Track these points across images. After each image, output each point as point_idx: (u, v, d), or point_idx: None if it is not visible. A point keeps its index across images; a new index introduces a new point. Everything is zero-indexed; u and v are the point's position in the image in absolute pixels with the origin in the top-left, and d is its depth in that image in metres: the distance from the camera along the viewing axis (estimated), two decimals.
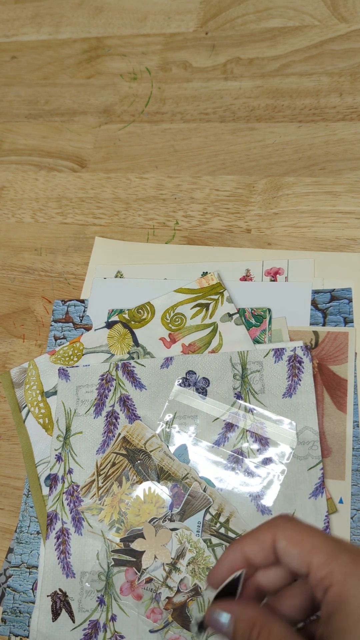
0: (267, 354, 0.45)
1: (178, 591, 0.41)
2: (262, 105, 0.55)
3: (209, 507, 0.42)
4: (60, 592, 0.43)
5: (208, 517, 0.42)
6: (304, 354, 0.44)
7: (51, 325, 0.51)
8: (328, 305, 0.46)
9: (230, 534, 0.41)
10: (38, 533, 0.45)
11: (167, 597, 0.40)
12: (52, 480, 0.45)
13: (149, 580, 0.41)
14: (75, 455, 0.45)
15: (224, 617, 0.28)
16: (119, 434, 0.45)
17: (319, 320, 0.46)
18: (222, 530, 0.41)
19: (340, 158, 0.51)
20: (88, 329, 0.50)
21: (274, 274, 0.48)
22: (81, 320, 0.50)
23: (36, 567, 0.44)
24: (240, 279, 0.49)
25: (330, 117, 0.53)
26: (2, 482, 0.48)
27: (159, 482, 0.43)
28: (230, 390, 0.44)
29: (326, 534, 0.28)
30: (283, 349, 0.45)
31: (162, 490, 0.43)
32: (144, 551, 0.42)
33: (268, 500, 0.41)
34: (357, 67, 0.54)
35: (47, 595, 0.43)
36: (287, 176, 0.52)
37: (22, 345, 0.52)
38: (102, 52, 0.63)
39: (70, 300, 0.51)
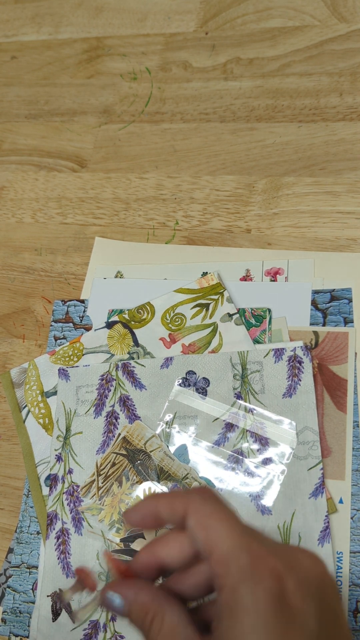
0: (267, 354, 0.45)
1: None
2: (262, 105, 0.55)
3: None
4: (60, 592, 0.43)
5: None
6: (304, 354, 0.44)
7: (51, 326, 0.51)
8: (328, 305, 0.46)
9: None
10: (38, 533, 0.45)
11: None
12: (52, 480, 0.45)
13: None
14: (75, 456, 0.45)
15: (117, 601, 0.28)
16: (119, 434, 0.45)
17: (319, 320, 0.46)
18: None
19: (340, 158, 0.51)
20: (88, 329, 0.50)
21: (274, 274, 0.48)
22: (81, 321, 0.50)
23: (36, 567, 0.44)
24: (240, 279, 0.49)
25: (330, 117, 0.53)
26: (2, 482, 0.48)
27: (159, 482, 0.43)
28: (230, 390, 0.44)
29: (236, 523, 0.26)
30: (283, 349, 0.45)
31: (162, 491, 0.43)
32: None
33: (268, 500, 0.41)
34: (357, 67, 0.54)
35: (47, 595, 0.43)
36: (287, 176, 0.52)
37: (22, 346, 0.52)
38: (102, 52, 0.63)
39: (70, 300, 0.51)
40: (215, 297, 0.48)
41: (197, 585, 0.28)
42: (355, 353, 0.44)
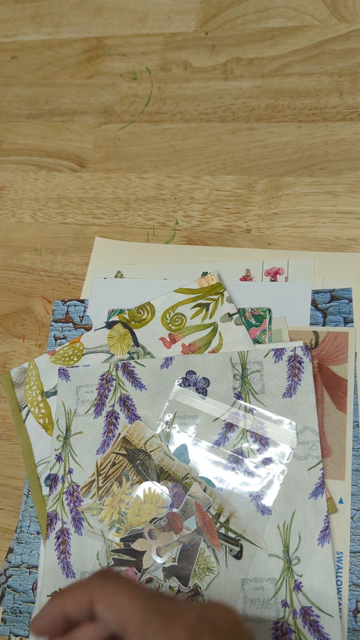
0: (267, 354, 0.45)
1: (179, 591, 0.41)
2: (262, 105, 0.55)
3: (209, 507, 0.42)
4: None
5: None
6: (304, 354, 0.44)
7: (51, 325, 0.51)
8: (328, 305, 0.46)
9: (230, 534, 0.41)
10: (38, 533, 0.45)
11: None
12: (52, 480, 0.45)
13: (150, 580, 0.41)
14: (75, 455, 0.45)
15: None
16: (119, 434, 0.45)
17: (319, 320, 0.46)
18: (222, 531, 0.41)
19: (340, 158, 0.51)
20: (88, 329, 0.50)
21: (274, 274, 0.48)
22: (81, 320, 0.50)
23: (36, 567, 0.44)
24: (240, 279, 0.49)
25: (330, 117, 0.53)
26: (2, 482, 0.48)
27: (159, 482, 0.43)
28: (230, 390, 0.44)
29: (142, 593, 0.27)
30: (283, 349, 0.45)
31: (162, 491, 0.43)
32: (145, 551, 0.42)
33: (268, 500, 0.41)
34: (357, 67, 0.54)
35: (47, 595, 0.43)
36: (287, 176, 0.52)
37: (22, 345, 0.52)
38: (102, 52, 0.63)
39: (70, 300, 0.51)
40: (215, 297, 0.48)
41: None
42: (355, 353, 0.44)
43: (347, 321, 0.45)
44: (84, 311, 0.51)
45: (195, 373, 0.45)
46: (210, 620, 0.27)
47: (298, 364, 0.44)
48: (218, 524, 0.41)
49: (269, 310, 0.47)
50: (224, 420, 0.44)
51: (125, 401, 0.46)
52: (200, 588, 0.40)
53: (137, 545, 0.42)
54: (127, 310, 0.49)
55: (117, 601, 0.27)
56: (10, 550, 0.45)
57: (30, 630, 0.30)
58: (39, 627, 0.29)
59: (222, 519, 0.41)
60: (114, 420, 0.46)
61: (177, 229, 0.52)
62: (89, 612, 0.27)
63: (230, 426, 0.44)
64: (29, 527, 0.45)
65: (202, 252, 0.51)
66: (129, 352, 0.48)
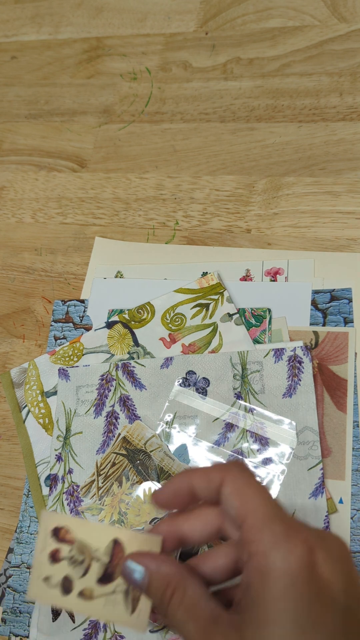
0: (267, 354, 0.45)
1: None
2: (262, 105, 0.55)
3: None
4: None
5: None
6: (304, 354, 0.44)
7: (51, 325, 0.51)
8: (328, 305, 0.46)
9: None
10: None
11: None
12: (52, 480, 0.45)
13: None
14: (75, 455, 0.45)
15: (139, 571, 0.27)
16: (119, 434, 0.45)
17: (319, 320, 0.46)
18: None
19: (340, 158, 0.51)
20: (88, 329, 0.50)
21: (274, 274, 0.48)
22: (81, 320, 0.50)
23: None
24: (240, 279, 0.49)
25: (330, 117, 0.53)
26: (2, 482, 0.48)
27: (159, 482, 0.43)
28: (230, 390, 0.44)
29: (271, 497, 0.27)
30: (283, 349, 0.45)
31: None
32: None
33: None
34: (357, 67, 0.54)
35: None
36: (287, 176, 0.52)
37: (22, 345, 0.52)
38: (102, 52, 0.63)
39: (70, 300, 0.51)
40: (215, 297, 0.48)
41: (219, 568, 0.28)
42: (355, 353, 0.44)
43: (347, 321, 0.45)
44: (84, 311, 0.51)
45: (195, 373, 0.45)
46: (327, 544, 0.26)
47: (298, 364, 0.44)
48: None
49: (269, 310, 0.47)
50: (224, 420, 0.44)
51: (125, 401, 0.46)
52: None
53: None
54: (127, 310, 0.49)
55: (246, 491, 0.27)
56: (10, 550, 0.45)
57: (153, 497, 0.30)
58: (163, 497, 0.29)
59: None
60: (114, 420, 0.46)
61: (177, 229, 0.52)
62: (215, 493, 0.28)
63: (230, 426, 0.44)
64: (29, 527, 0.45)
65: (202, 252, 0.51)
66: (129, 352, 0.48)
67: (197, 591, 0.26)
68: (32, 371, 0.49)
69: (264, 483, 0.42)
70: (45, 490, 0.46)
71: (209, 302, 0.48)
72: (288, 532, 0.25)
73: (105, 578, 0.31)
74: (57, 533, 0.33)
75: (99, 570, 0.31)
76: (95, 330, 0.49)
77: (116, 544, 0.32)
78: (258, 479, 0.28)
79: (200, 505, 0.29)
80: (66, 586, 0.32)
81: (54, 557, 0.33)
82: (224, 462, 0.29)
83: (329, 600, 0.24)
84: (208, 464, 0.43)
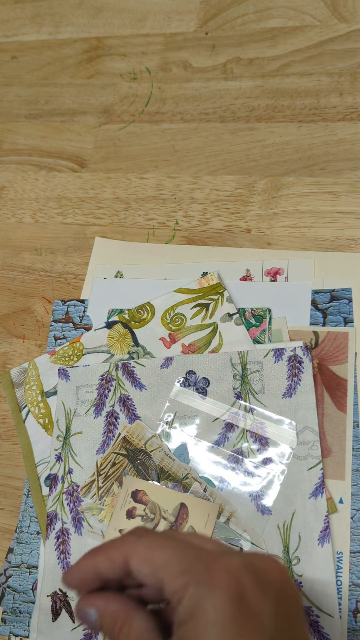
0: (267, 354, 0.45)
1: None
2: (262, 105, 0.55)
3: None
4: (60, 592, 0.43)
5: None
6: (304, 354, 0.44)
7: (51, 325, 0.51)
8: (328, 305, 0.46)
9: (230, 534, 0.41)
10: (38, 533, 0.45)
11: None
12: (52, 480, 0.45)
13: None
14: (75, 455, 0.45)
15: (91, 613, 0.27)
16: (119, 434, 0.45)
17: (319, 320, 0.46)
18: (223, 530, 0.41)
19: (340, 158, 0.51)
20: (88, 329, 0.50)
21: (274, 274, 0.48)
22: (81, 320, 0.50)
23: (36, 567, 0.44)
24: (240, 279, 0.49)
25: (330, 117, 0.53)
26: (2, 482, 0.48)
27: (159, 482, 0.43)
28: (230, 390, 0.44)
29: (180, 544, 0.26)
30: (283, 349, 0.45)
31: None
32: None
33: (268, 500, 0.41)
34: (357, 67, 0.54)
35: (47, 595, 0.43)
36: (287, 176, 0.52)
37: (22, 345, 0.52)
38: (102, 52, 0.63)
39: (70, 300, 0.51)
40: (215, 297, 0.48)
41: (156, 590, 0.28)
42: (355, 353, 0.44)
43: (347, 321, 0.45)
44: (84, 311, 0.51)
45: (195, 373, 0.45)
46: (256, 569, 0.25)
47: (298, 364, 0.44)
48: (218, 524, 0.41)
49: (269, 310, 0.47)
50: (224, 420, 0.44)
51: (125, 401, 0.46)
52: None
53: None
54: (127, 310, 0.49)
55: (152, 555, 0.26)
56: (10, 550, 0.45)
57: (62, 582, 0.29)
58: (71, 581, 0.28)
59: (222, 519, 0.41)
60: (114, 420, 0.46)
61: (177, 229, 0.52)
62: (124, 570, 0.27)
63: (230, 426, 0.44)
64: (29, 527, 0.45)
65: (202, 252, 0.51)
66: (129, 352, 0.48)
67: (142, 623, 0.27)
68: (32, 371, 0.49)
69: (264, 483, 0.42)
70: (45, 490, 0.46)
71: (209, 302, 0.48)
72: (209, 567, 0.25)
73: None
74: (136, 495, 0.41)
75: (166, 527, 0.39)
76: (95, 330, 0.49)
77: (182, 506, 0.40)
78: (160, 533, 0.28)
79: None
80: None
81: (131, 513, 0.41)
82: (123, 534, 0.28)
83: (255, 628, 0.24)
84: (209, 464, 0.43)
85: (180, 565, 0.25)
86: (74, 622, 0.42)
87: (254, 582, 0.25)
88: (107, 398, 0.46)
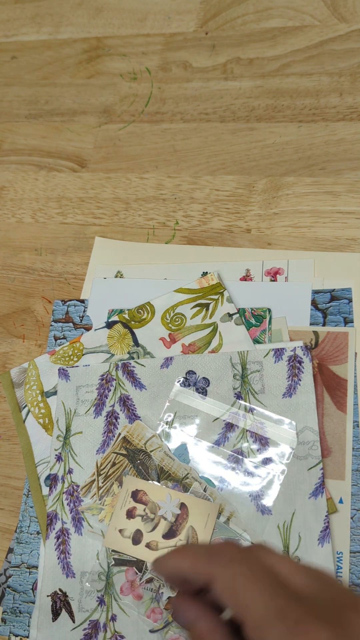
0: (267, 354, 0.45)
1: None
2: (262, 105, 0.55)
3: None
4: (60, 592, 0.43)
5: None
6: (304, 354, 0.44)
7: (51, 325, 0.51)
8: (328, 305, 0.46)
9: (231, 534, 0.41)
10: (38, 533, 0.45)
11: (169, 597, 0.40)
12: (52, 480, 0.45)
13: (150, 580, 0.41)
14: (75, 455, 0.45)
15: (185, 617, 0.27)
16: (119, 434, 0.45)
17: (319, 320, 0.46)
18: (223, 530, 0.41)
19: (340, 158, 0.51)
20: (88, 329, 0.50)
21: (274, 274, 0.48)
22: (81, 320, 0.50)
23: (36, 567, 0.44)
24: (240, 279, 0.49)
25: (330, 117, 0.53)
26: (2, 482, 0.48)
27: (159, 482, 0.43)
28: (230, 390, 0.44)
29: (269, 581, 0.24)
30: (283, 349, 0.45)
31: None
32: None
33: (268, 500, 0.41)
34: (357, 67, 0.54)
35: (47, 595, 0.43)
36: (287, 176, 0.52)
37: (22, 345, 0.52)
38: (102, 52, 0.63)
39: (70, 300, 0.51)
40: (215, 297, 0.48)
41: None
42: (355, 353, 0.44)
43: (347, 321, 0.45)
44: (84, 311, 0.51)
45: (195, 373, 0.45)
46: (346, 625, 0.22)
47: (298, 364, 0.44)
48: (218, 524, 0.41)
49: (269, 310, 0.47)
50: (224, 420, 0.44)
51: (125, 401, 0.46)
52: None
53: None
54: (127, 310, 0.49)
55: (237, 588, 0.24)
56: (10, 550, 0.45)
57: (152, 566, 0.29)
58: (159, 572, 0.28)
59: (222, 519, 0.41)
60: (114, 420, 0.46)
61: (177, 229, 0.52)
62: (206, 585, 0.26)
63: (230, 426, 0.44)
64: (29, 527, 0.45)
65: (202, 252, 0.51)
66: (129, 352, 0.48)
67: None
68: (32, 371, 0.49)
69: (264, 483, 0.42)
70: (45, 490, 0.46)
71: (209, 302, 0.48)
72: (293, 631, 0.22)
73: (170, 534, 0.40)
74: (136, 495, 0.41)
75: (165, 527, 0.40)
76: (95, 330, 0.49)
77: (182, 507, 0.40)
78: (253, 559, 0.26)
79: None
80: (136, 538, 0.40)
81: (131, 513, 0.41)
82: (217, 544, 0.27)
83: None
84: (209, 464, 0.43)
85: (263, 615, 0.23)
86: (74, 622, 0.42)
87: None
88: (107, 398, 0.46)
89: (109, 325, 0.49)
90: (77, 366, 0.48)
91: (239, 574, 0.24)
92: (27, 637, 0.43)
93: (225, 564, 0.25)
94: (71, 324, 0.51)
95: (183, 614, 0.27)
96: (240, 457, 0.43)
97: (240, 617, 0.24)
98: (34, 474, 0.46)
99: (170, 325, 0.48)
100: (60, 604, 0.42)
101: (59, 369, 0.48)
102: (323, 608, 0.23)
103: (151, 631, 0.40)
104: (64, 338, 0.50)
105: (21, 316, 0.53)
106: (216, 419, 0.44)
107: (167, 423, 0.45)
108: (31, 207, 0.57)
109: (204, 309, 0.48)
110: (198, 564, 0.26)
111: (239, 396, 0.44)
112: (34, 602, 0.44)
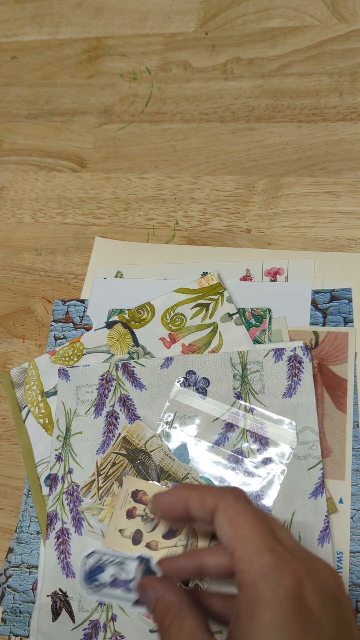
0: (267, 354, 0.45)
1: None
2: (262, 105, 0.55)
3: None
4: (60, 592, 0.43)
5: None
6: (304, 354, 0.44)
7: (51, 325, 0.51)
8: (328, 305, 0.46)
9: None
10: (38, 533, 0.45)
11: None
12: (52, 480, 0.45)
13: None
14: (75, 455, 0.45)
15: (150, 595, 0.29)
16: (119, 434, 0.45)
17: (319, 320, 0.46)
18: None
19: (340, 158, 0.51)
20: (88, 329, 0.50)
21: (274, 274, 0.48)
22: (81, 320, 0.50)
23: (36, 567, 0.44)
24: (240, 279, 0.49)
25: (330, 117, 0.53)
26: (2, 482, 0.48)
27: (159, 482, 0.43)
28: (230, 390, 0.44)
29: (264, 524, 0.27)
30: (283, 349, 0.45)
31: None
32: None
33: (268, 500, 0.41)
34: (357, 67, 0.54)
35: (47, 595, 0.43)
36: (287, 176, 0.52)
37: (22, 345, 0.52)
38: (102, 52, 0.63)
39: (70, 300, 0.51)
40: (215, 297, 0.48)
41: (220, 566, 0.29)
42: (355, 353, 0.44)
43: (347, 321, 0.45)
44: (84, 311, 0.51)
45: (195, 373, 0.45)
46: (318, 576, 0.26)
47: (298, 364, 0.44)
48: None
49: (269, 310, 0.47)
50: (224, 420, 0.44)
51: (125, 401, 0.46)
52: (200, 587, 0.40)
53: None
54: (127, 310, 0.49)
55: (238, 520, 0.27)
56: (10, 550, 0.45)
57: (152, 501, 0.31)
58: (160, 504, 0.30)
59: None
60: (114, 420, 0.46)
61: (177, 229, 0.52)
62: (209, 515, 0.28)
63: (230, 426, 0.44)
64: (29, 527, 0.45)
65: (202, 252, 0.51)
66: (129, 352, 0.48)
67: (194, 623, 0.27)
68: (32, 371, 0.49)
69: (264, 483, 0.42)
70: (45, 490, 0.46)
71: (209, 302, 0.48)
72: (277, 564, 0.26)
73: (170, 534, 0.40)
74: (136, 495, 0.41)
75: (165, 527, 0.39)
76: (95, 330, 0.49)
77: None
78: (255, 505, 0.29)
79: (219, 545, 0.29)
80: (137, 538, 0.40)
81: (131, 513, 0.41)
82: (222, 485, 0.30)
83: (316, 632, 0.25)
84: (209, 464, 0.43)
85: (254, 547, 0.26)
86: (74, 622, 0.42)
87: (315, 589, 0.26)
88: (107, 398, 0.46)
89: (109, 325, 0.49)
90: (77, 366, 0.48)
91: (243, 510, 0.28)
92: (27, 637, 0.43)
93: (232, 499, 0.28)
94: (71, 324, 0.51)
95: (150, 590, 0.29)
96: (240, 457, 0.43)
97: (231, 547, 0.27)
98: (34, 474, 0.46)
99: (170, 325, 0.48)
100: (60, 604, 0.42)
101: (59, 369, 0.48)
102: (300, 555, 0.27)
103: (151, 631, 0.40)
104: (64, 338, 0.50)
105: (21, 316, 0.53)
106: (216, 419, 0.44)
107: (167, 423, 0.45)
108: (31, 207, 0.57)
109: (204, 309, 0.48)
110: (206, 494, 0.29)
111: (239, 396, 0.44)
112: (34, 602, 0.44)
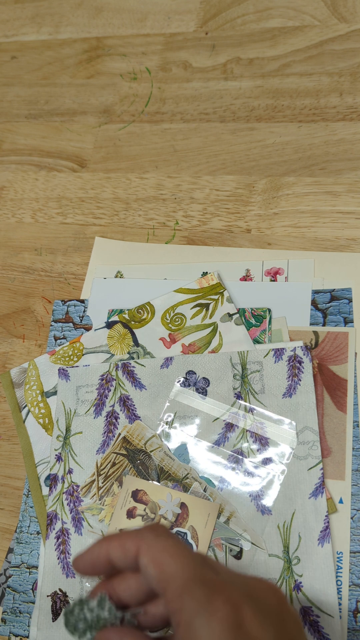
0: (267, 354, 0.45)
1: None
2: (262, 105, 0.55)
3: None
4: (60, 592, 0.43)
5: None
6: (304, 354, 0.44)
7: (51, 325, 0.51)
8: (328, 305, 0.46)
9: (230, 534, 0.41)
10: (38, 533, 0.45)
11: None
12: (52, 480, 0.45)
13: None
14: (75, 455, 0.45)
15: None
16: (119, 434, 0.45)
17: (319, 320, 0.46)
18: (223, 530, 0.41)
19: (340, 158, 0.51)
20: (88, 329, 0.50)
21: (274, 274, 0.48)
22: (81, 320, 0.50)
23: (36, 567, 0.44)
24: (240, 279, 0.49)
25: (330, 117, 0.53)
26: (2, 482, 0.48)
27: (159, 482, 0.43)
28: (230, 390, 0.44)
29: (189, 558, 0.26)
30: (283, 349, 0.45)
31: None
32: None
33: (268, 500, 0.41)
34: (357, 67, 0.54)
35: (47, 595, 0.43)
36: (287, 176, 0.52)
37: (22, 345, 0.52)
38: (102, 52, 0.63)
39: (70, 300, 0.51)
40: (215, 297, 0.48)
41: (159, 618, 0.28)
42: (355, 353, 0.44)
43: (347, 321, 0.45)
44: (84, 311, 0.51)
45: (195, 373, 0.45)
46: (255, 597, 0.26)
47: (298, 364, 0.44)
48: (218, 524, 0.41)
49: (269, 310, 0.47)
50: (224, 420, 0.44)
51: (125, 401, 0.46)
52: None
53: None
54: (127, 310, 0.49)
55: (162, 559, 0.26)
56: (10, 550, 0.45)
57: (72, 565, 0.30)
58: (81, 565, 0.28)
59: (222, 519, 0.41)
60: (114, 420, 0.46)
61: (177, 229, 0.52)
62: (133, 562, 0.27)
63: (230, 426, 0.44)
64: (29, 527, 0.45)
65: (202, 252, 0.51)
66: (129, 352, 0.48)
67: None
68: (32, 371, 0.49)
69: (264, 483, 0.42)
70: (45, 490, 0.46)
71: (209, 302, 0.48)
72: (209, 595, 0.25)
73: None
74: (136, 494, 0.41)
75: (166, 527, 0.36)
76: (95, 330, 0.49)
77: (182, 506, 0.40)
78: (178, 537, 0.28)
79: (127, 574, 0.28)
80: None
81: (131, 513, 0.41)
82: (140, 527, 0.28)
83: None
84: (209, 464, 0.43)
85: (183, 584, 0.25)
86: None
87: (253, 612, 0.25)
88: (107, 398, 0.46)
89: (109, 325, 0.49)
90: (77, 366, 0.48)
91: (165, 547, 0.26)
92: (27, 637, 0.43)
93: (152, 538, 0.27)
94: (71, 324, 0.51)
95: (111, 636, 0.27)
96: (240, 457, 0.43)
97: (161, 589, 0.26)
98: (34, 474, 0.46)
99: (170, 325, 0.48)
100: (60, 604, 0.42)
101: (59, 369, 0.48)
102: (234, 579, 0.27)
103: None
104: (64, 338, 0.50)
105: (21, 316, 0.53)
106: (216, 419, 0.44)
107: (167, 423, 0.45)
108: (31, 207, 0.57)
109: (204, 309, 0.48)
110: (126, 540, 0.27)
111: (239, 396, 0.44)
112: (34, 602, 0.44)
